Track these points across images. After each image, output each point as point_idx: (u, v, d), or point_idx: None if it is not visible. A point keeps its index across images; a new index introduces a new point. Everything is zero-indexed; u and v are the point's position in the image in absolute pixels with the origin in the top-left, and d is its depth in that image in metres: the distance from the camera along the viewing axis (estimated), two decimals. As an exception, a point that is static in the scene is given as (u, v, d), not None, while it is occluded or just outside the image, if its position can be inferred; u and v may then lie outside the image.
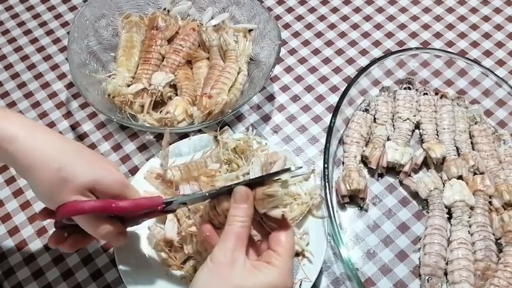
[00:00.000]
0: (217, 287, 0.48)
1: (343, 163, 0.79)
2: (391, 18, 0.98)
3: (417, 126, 0.83)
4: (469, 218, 0.72)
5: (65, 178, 0.54)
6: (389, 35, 0.96)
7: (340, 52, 0.94)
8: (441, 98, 0.84)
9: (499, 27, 0.96)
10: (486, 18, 0.97)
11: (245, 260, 0.50)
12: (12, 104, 0.89)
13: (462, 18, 0.98)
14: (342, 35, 0.96)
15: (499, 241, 0.71)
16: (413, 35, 0.96)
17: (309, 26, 0.97)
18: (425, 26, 0.97)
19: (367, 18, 0.98)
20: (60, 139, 0.58)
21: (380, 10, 0.99)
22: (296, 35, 0.96)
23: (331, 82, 0.90)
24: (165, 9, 0.92)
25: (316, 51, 0.94)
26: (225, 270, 0.49)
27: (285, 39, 0.95)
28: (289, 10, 1.00)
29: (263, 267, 0.50)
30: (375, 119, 0.83)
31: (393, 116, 0.83)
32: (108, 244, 0.73)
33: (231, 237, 0.50)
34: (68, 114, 0.87)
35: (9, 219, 0.76)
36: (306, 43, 0.95)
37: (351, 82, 0.80)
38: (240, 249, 0.50)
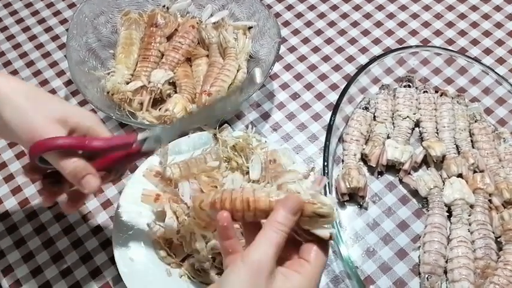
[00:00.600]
0: None
1: (342, 161, 0.79)
2: (391, 16, 0.98)
3: (417, 124, 0.83)
4: (469, 216, 0.72)
5: (34, 107, 0.54)
6: (389, 32, 0.96)
7: (340, 50, 0.93)
8: (441, 96, 0.84)
9: (499, 25, 0.96)
10: (486, 16, 0.97)
11: (277, 269, 0.47)
12: (10, 101, 0.88)
13: (462, 16, 0.97)
14: (342, 32, 0.96)
15: (498, 239, 0.71)
16: (413, 32, 0.96)
17: (308, 24, 0.97)
18: (426, 24, 0.97)
19: (367, 16, 0.98)
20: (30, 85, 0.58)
21: (380, 8, 0.99)
22: (296, 32, 0.96)
23: (330, 80, 0.90)
24: (164, 6, 0.92)
25: (316, 49, 0.94)
26: (264, 279, 0.45)
27: (284, 36, 0.95)
28: (289, 8, 1.00)
29: (291, 276, 0.47)
30: (374, 117, 0.83)
31: (393, 114, 0.83)
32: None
33: (274, 246, 0.46)
34: (67, 112, 0.87)
35: (8, 217, 0.76)
36: (305, 41, 0.95)
37: (350, 80, 0.80)
38: (276, 259, 0.47)
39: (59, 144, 0.53)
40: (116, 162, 0.59)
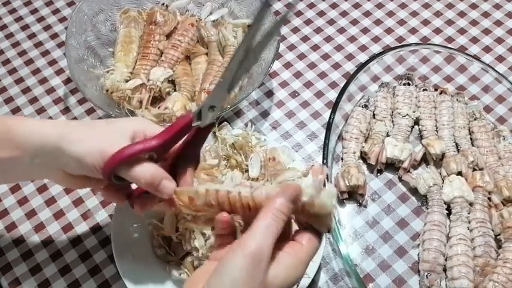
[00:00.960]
0: (255, 280, 0.44)
1: (342, 159, 0.79)
2: (390, 13, 0.98)
3: (416, 122, 0.83)
4: (468, 214, 0.72)
5: (96, 132, 0.54)
6: (389, 30, 0.96)
7: (339, 48, 0.93)
8: (441, 93, 0.84)
9: (498, 23, 0.96)
10: (486, 14, 0.97)
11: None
12: (10, 100, 0.88)
13: (462, 14, 0.97)
14: (341, 30, 0.96)
15: (498, 237, 0.71)
16: (413, 30, 0.95)
17: (308, 22, 0.97)
18: (425, 22, 0.96)
19: (367, 13, 0.98)
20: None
21: (379, 6, 0.99)
22: (295, 30, 0.96)
23: (330, 78, 0.89)
24: (163, 4, 0.91)
25: (315, 47, 0.93)
26: (263, 268, 0.45)
27: (284, 34, 0.95)
28: (289, 6, 0.99)
29: (282, 258, 0.47)
30: (374, 115, 0.83)
31: (392, 112, 0.83)
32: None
33: (272, 234, 0.46)
34: (66, 110, 0.87)
35: (7, 214, 0.76)
36: (305, 39, 0.95)
37: (350, 78, 0.80)
38: (273, 246, 0.46)
39: (130, 152, 0.52)
40: (183, 152, 0.57)
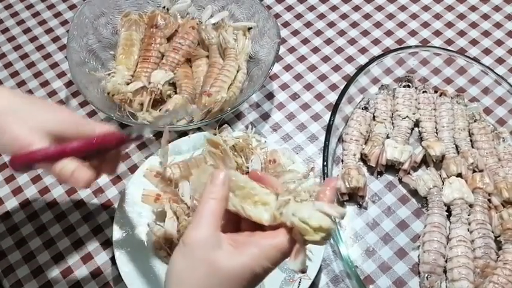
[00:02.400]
0: (194, 269, 0.44)
1: (342, 161, 0.79)
2: (390, 16, 0.98)
3: (416, 124, 0.83)
4: (468, 215, 0.72)
5: (20, 120, 0.53)
6: (389, 33, 0.96)
7: (339, 50, 0.94)
8: (440, 96, 0.84)
9: (498, 25, 0.96)
10: (485, 16, 0.97)
11: (222, 238, 0.45)
12: (11, 103, 0.88)
13: (461, 16, 0.98)
14: (341, 33, 0.96)
15: (498, 239, 0.71)
16: (413, 33, 0.96)
17: (308, 24, 0.97)
18: (425, 24, 0.97)
19: (367, 16, 0.98)
20: (10, 91, 0.57)
21: (379, 8, 0.99)
22: (295, 33, 0.96)
23: (330, 80, 0.90)
24: (164, 7, 0.92)
25: (315, 50, 0.94)
26: (200, 249, 0.44)
27: (284, 37, 0.95)
28: (289, 8, 1.00)
29: (245, 246, 0.45)
30: (374, 117, 0.83)
31: (392, 114, 0.83)
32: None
33: (204, 213, 0.45)
34: (68, 113, 0.87)
35: (9, 217, 0.76)
36: (305, 41, 0.95)
37: (350, 80, 0.80)
38: (215, 226, 0.45)
39: (40, 158, 0.52)
40: (106, 151, 0.57)
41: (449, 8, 0.99)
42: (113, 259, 0.71)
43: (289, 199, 0.45)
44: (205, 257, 0.44)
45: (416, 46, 0.91)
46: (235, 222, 0.50)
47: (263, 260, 0.44)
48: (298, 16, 0.99)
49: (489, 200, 0.74)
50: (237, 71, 0.84)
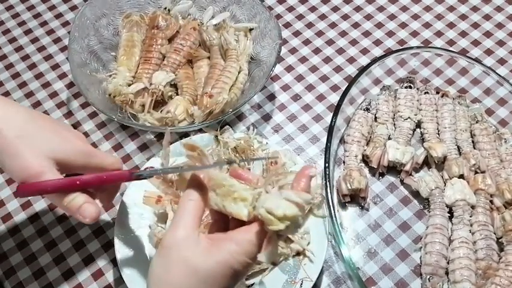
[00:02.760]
0: (171, 270, 0.44)
1: (344, 162, 0.79)
2: (392, 17, 0.98)
3: (418, 125, 0.83)
4: (470, 217, 0.72)
5: (29, 146, 0.53)
6: (390, 33, 0.96)
7: (340, 51, 0.93)
8: (442, 96, 0.84)
9: (500, 25, 0.96)
10: (487, 17, 0.97)
11: (199, 237, 0.45)
12: (13, 104, 0.88)
13: (463, 17, 0.97)
14: (343, 34, 0.96)
15: (500, 240, 0.71)
16: (414, 33, 0.96)
17: (309, 25, 0.97)
18: (426, 25, 0.97)
19: (368, 17, 0.98)
20: (27, 113, 0.57)
21: (381, 9, 0.99)
22: (297, 34, 0.96)
23: (331, 81, 0.90)
24: (165, 8, 0.92)
25: (316, 50, 0.94)
26: (176, 250, 0.44)
27: (285, 38, 0.95)
28: (290, 9, 1.00)
29: (224, 243, 0.45)
30: (375, 118, 0.83)
31: (394, 115, 0.83)
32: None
33: (182, 215, 0.46)
34: (69, 114, 0.87)
35: (10, 218, 0.76)
36: (306, 42, 0.95)
37: (351, 81, 0.80)
38: (192, 226, 0.45)
39: (50, 189, 0.53)
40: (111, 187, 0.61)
41: (451, 9, 0.99)
42: (114, 261, 0.71)
43: (261, 192, 0.46)
44: (180, 258, 0.44)
45: (418, 47, 0.91)
46: (223, 223, 0.50)
47: (241, 255, 0.44)
48: (300, 17, 0.99)
49: (491, 202, 0.74)
50: (239, 72, 0.84)
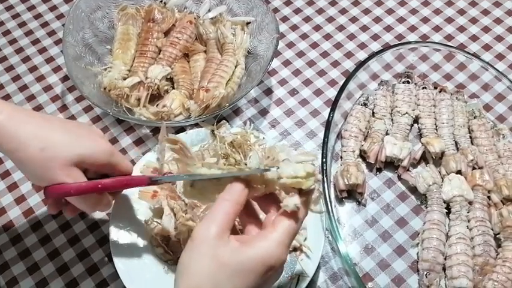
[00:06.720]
0: (201, 262, 0.45)
1: (341, 157, 0.79)
2: (390, 11, 0.97)
3: (416, 120, 0.83)
4: (468, 213, 0.72)
5: (49, 158, 0.54)
6: (388, 28, 0.95)
7: (338, 46, 0.93)
8: (440, 92, 0.84)
9: (498, 20, 0.95)
10: (486, 12, 0.97)
11: (230, 238, 0.46)
12: (7, 97, 0.88)
13: (461, 12, 0.97)
14: (341, 28, 0.95)
15: (497, 236, 0.71)
16: (412, 28, 0.95)
17: (307, 19, 0.97)
18: (425, 20, 0.96)
19: (366, 11, 0.97)
20: (42, 118, 0.58)
21: (379, 3, 0.98)
22: (294, 28, 0.95)
23: (329, 76, 0.89)
24: (161, 1, 0.91)
25: (314, 45, 0.93)
26: (208, 245, 0.45)
27: (283, 32, 0.94)
28: (287, 3, 0.99)
29: (254, 241, 0.46)
30: (373, 113, 0.83)
31: (392, 110, 0.83)
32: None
33: (216, 213, 0.47)
34: (64, 108, 0.86)
35: (4, 213, 0.76)
36: (304, 36, 0.94)
37: (349, 76, 0.79)
38: (225, 227, 0.46)
39: (73, 192, 0.56)
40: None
41: (449, 3, 0.98)
42: (109, 256, 0.71)
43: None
44: (211, 252, 0.45)
45: (416, 42, 0.90)
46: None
47: (275, 250, 0.46)
48: (297, 11, 0.98)
49: (489, 197, 0.74)
50: (235, 66, 0.83)
